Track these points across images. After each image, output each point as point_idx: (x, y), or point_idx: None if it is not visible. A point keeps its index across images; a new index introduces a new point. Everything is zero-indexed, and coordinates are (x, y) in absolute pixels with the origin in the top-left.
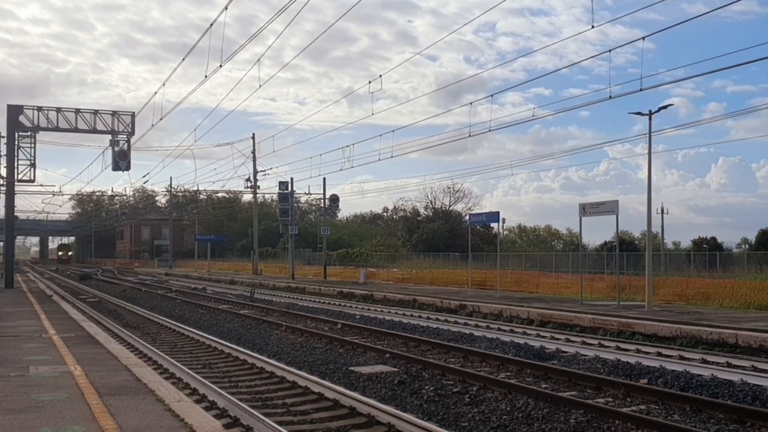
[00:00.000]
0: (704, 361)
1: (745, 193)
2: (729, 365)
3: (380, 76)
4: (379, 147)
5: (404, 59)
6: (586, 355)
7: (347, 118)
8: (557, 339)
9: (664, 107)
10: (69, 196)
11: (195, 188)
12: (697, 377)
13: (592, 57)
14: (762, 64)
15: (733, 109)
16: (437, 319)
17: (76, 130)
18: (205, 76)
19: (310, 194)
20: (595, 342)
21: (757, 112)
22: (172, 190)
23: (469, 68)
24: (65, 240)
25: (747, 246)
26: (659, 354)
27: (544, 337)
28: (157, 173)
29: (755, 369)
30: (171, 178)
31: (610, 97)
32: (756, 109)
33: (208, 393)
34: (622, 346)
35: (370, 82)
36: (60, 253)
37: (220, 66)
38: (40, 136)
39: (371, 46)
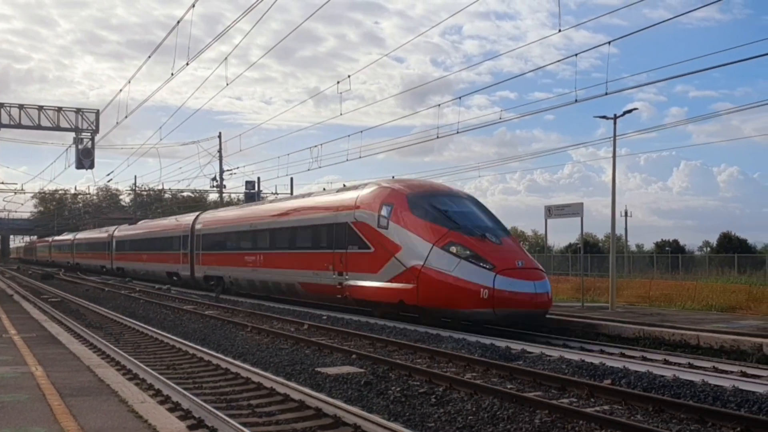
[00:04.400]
0: (667, 362)
1: (707, 196)
2: (691, 366)
3: (349, 76)
4: (347, 147)
5: (371, 60)
6: (550, 356)
7: (314, 118)
8: (522, 339)
9: (629, 111)
10: (31, 195)
11: (160, 187)
12: (660, 378)
13: (557, 61)
14: (723, 70)
15: (694, 114)
16: (404, 320)
17: (38, 127)
18: (172, 74)
19: (277, 194)
20: (560, 342)
21: (718, 117)
22: (137, 188)
23: (436, 70)
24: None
25: (708, 248)
26: (623, 355)
27: (509, 337)
28: (121, 172)
29: (716, 370)
30: (135, 176)
31: (576, 100)
32: (717, 114)
33: (172, 394)
34: (587, 346)
35: (338, 83)
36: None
37: (187, 64)
38: (1, 133)
39: (338, 46)
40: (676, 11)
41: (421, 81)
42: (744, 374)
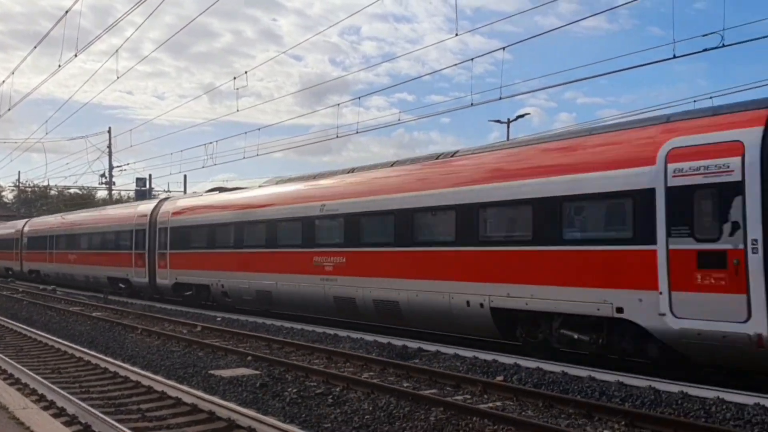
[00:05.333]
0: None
1: None
2: (578, 362)
3: (245, 72)
4: (243, 145)
5: (269, 57)
6: (446, 354)
7: (208, 115)
8: (419, 338)
9: (521, 116)
10: None
11: (45, 183)
12: (550, 374)
13: (454, 65)
14: (610, 78)
15: (582, 120)
16: (302, 320)
17: None
18: (59, 65)
19: (170, 191)
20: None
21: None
22: (21, 185)
23: (335, 70)
24: None
25: None
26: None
27: (406, 336)
28: (3, 167)
29: (601, 366)
30: (19, 172)
31: (472, 104)
32: (603, 120)
33: (57, 399)
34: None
35: (235, 78)
36: None
37: (75, 55)
38: None
39: (234, 42)
40: (567, 20)
41: (319, 80)
42: (627, 369)
